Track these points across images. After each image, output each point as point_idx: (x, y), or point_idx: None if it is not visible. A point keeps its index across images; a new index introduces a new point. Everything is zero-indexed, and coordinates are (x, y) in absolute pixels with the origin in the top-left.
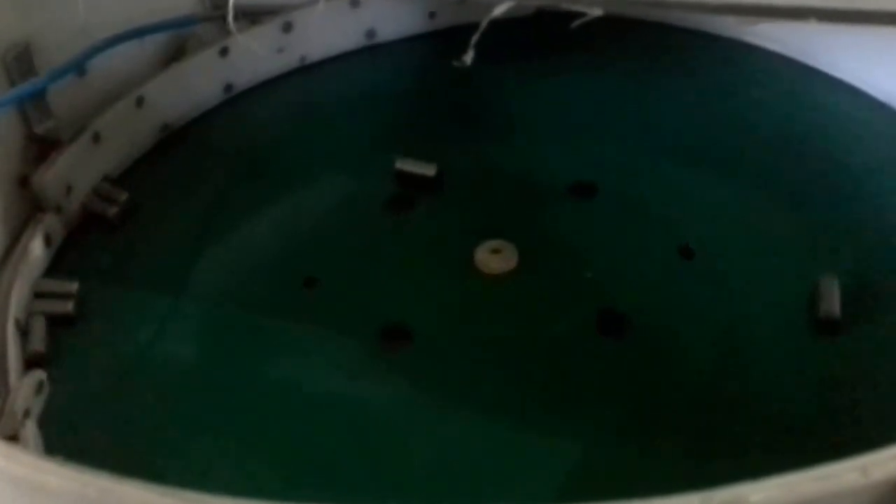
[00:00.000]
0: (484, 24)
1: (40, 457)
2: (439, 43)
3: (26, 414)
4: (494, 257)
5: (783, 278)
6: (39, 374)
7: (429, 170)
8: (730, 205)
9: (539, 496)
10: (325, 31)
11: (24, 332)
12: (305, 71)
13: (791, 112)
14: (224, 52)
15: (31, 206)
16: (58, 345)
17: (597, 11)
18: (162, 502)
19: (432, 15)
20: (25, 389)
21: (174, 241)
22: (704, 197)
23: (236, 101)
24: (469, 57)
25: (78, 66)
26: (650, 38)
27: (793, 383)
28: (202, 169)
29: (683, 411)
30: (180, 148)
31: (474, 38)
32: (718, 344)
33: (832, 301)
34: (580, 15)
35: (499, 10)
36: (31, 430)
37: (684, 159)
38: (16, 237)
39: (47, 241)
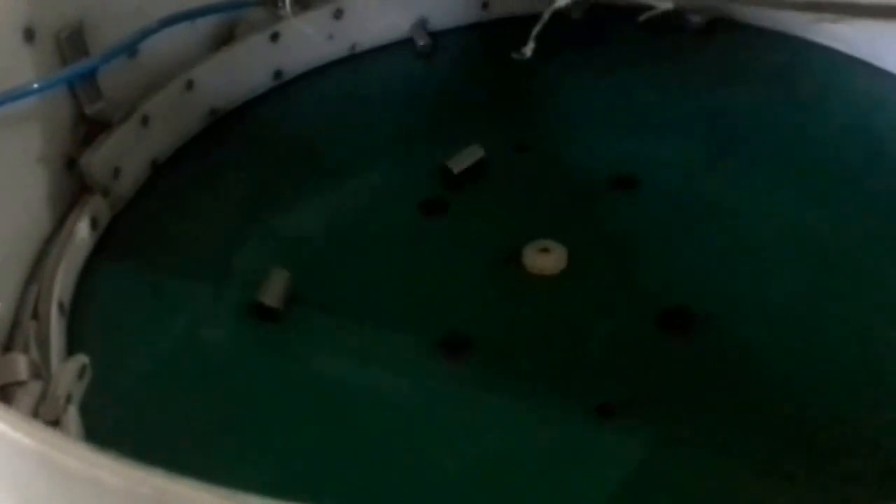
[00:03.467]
0: (546, 15)
1: (93, 449)
2: (492, 34)
3: (68, 399)
4: (543, 257)
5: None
6: (82, 359)
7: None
8: (792, 204)
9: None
10: (377, 19)
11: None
12: (355, 59)
13: (852, 111)
14: (275, 37)
15: (78, 188)
16: (100, 330)
17: (667, 5)
18: (214, 503)
19: (485, 5)
20: (67, 374)
21: (218, 228)
22: (764, 198)
23: (285, 88)
24: (529, 49)
25: (129, 48)
26: (714, 35)
27: (872, 396)
28: (249, 156)
29: (745, 417)
30: (228, 133)
31: (536, 30)
32: (790, 352)
33: None
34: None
35: (562, 1)
36: (72, 415)
37: (742, 158)
38: (62, 219)
39: (93, 223)
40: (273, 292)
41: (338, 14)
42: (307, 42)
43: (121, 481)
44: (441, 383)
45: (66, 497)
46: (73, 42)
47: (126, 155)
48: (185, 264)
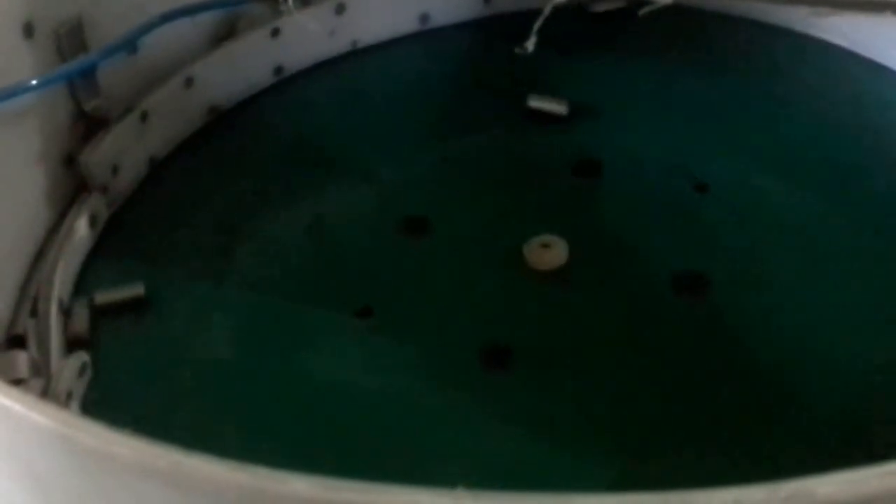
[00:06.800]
0: (547, 10)
1: (109, 428)
2: (495, 29)
3: (69, 396)
4: (545, 252)
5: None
6: (82, 356)
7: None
8: (793, 206)
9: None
10: (378, 14)
11: (66, 313)
12: (357, 55)
13: (853, 107)
14: (275, 32)
15: (77, 186)
16: (98, 330)
17: (666, 0)
18: (230, 476)
19: (488, 0)
20: (68, 372)
21: (217, 227)
22: (762, 195)
23: (286, 85)
24: (531, 43)
25: (129, 44)
26: (714, 30)
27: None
28: (249, 153)
29: (744, 408)
30: (228, 131)
31: (537, 24)
32: (787, 345)
33: None
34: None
35: None
36: (74, 412)
37: (742, 152)
38: (60, 217)
39: (92, 221)
40: None
41: (339, 9)
42: (308, 38)
43: (137, 456)
44: (463, 386)
45: (82, 474)
46: (72, 38)
47: (125, 152)
48: (184, 263)
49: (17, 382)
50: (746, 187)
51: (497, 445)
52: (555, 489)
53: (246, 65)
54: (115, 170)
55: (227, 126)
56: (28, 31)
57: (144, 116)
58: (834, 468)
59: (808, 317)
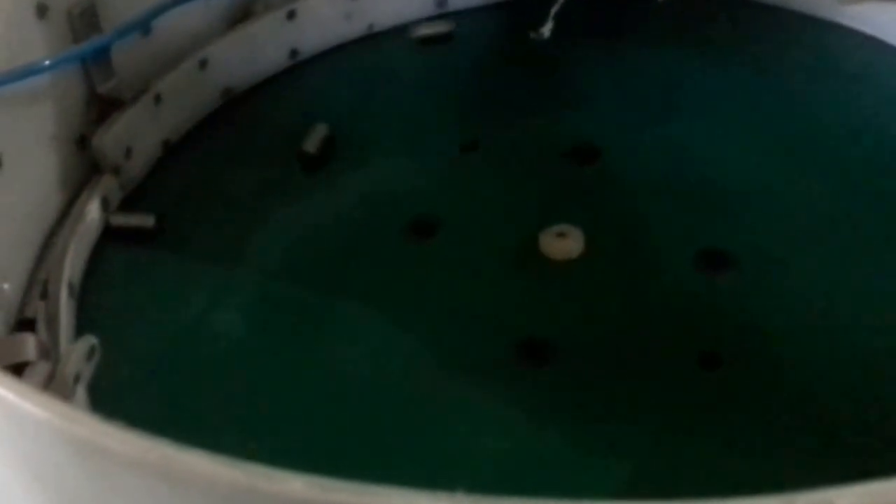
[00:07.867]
0: None
1: (102, 420)
2: (511, 14)
3: (76, 379)
4: (561, 241)
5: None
6: (91, 340)
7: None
8: (811, 199)
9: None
10: None
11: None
12: (373, 38)
13: (879, 97)
14: (291, 15)
15: (90, 168)
16: (108, 313)
17: None
18: (222, 472)
19: None
20: (76, 355)
21: (230, 210)
22: (785, 187)
23: (301, 68)
24: (548, 29)
25: (143, 25)
26: (737, 16)
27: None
28: (263, 136)
29: (766, 404)
30: (241, 114)
31: (554, 9)
32: (810, 336)
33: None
34: None
35: None
36: (81, 395)
37: (768, 146)
38: (73, 199)
39: (104, 203)
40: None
41: None
42: (324, 21)
43: (129, 450)
44: (435, 359)
45: (77, 465)
46: (85, 19)
47: (138, 134)
48: (197, 247)
49: (24, 365)
50: (762, 178)
51: (511, 439)
52: (567, 485)
53: (261, 47)
54: (128, 152)
55: (241, 109)
56: (41, 11)
57: (158, 99)
58: (855, 467)
59: (833, 307)
